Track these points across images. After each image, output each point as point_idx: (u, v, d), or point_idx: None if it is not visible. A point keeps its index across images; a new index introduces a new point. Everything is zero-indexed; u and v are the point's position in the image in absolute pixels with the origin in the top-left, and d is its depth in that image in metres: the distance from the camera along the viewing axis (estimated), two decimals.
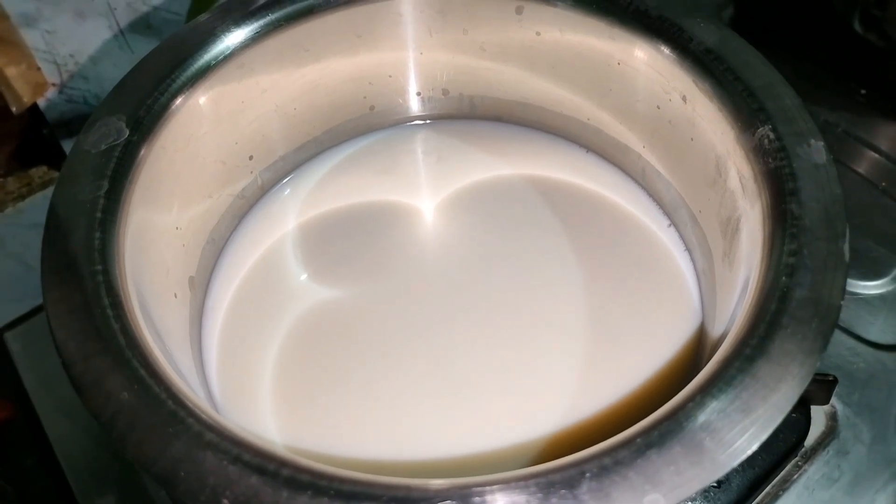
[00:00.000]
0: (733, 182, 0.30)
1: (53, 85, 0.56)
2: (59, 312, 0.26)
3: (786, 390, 0.22)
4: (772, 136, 0.29)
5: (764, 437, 0.22)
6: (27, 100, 0.55)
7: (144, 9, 0.54)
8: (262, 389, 0.33)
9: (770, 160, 0.28)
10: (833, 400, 0.36)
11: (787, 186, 0.27)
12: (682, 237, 0.37)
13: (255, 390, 0.33)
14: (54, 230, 0.29)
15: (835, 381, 0.35)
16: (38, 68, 0.54)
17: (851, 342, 0.38)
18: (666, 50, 0.33)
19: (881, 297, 0.39)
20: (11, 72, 0.54)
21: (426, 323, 0.35)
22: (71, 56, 0.54)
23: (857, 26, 0.48)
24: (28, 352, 0.41)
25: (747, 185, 0.29)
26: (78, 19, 0.53)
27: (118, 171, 0.30)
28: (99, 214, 0.29)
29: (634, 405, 0.31)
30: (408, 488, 0.21)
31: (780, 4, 0.33)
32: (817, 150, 0.28)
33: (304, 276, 0.38)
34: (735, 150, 0.30)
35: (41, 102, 0.56)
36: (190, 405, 0.24)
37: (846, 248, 0.25)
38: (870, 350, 0.38)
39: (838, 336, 0.38)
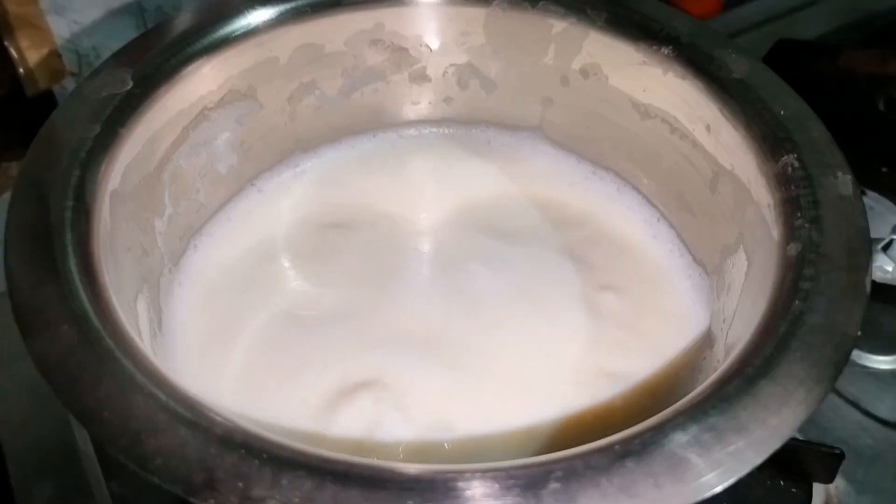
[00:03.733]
0: (752, 210, 0.29)
1: (72, 74, 0.56)
2: (19, 238, 0.25)
3: (788, 415, 0.20)
4: (796, 164, 0.27)
5: (759, 461, 0.19)
6: (42, 85, 0.55)
7: (173, 14, 0.54)
8: (227, 369, 0.31)
9: (793, 188, 0.27)
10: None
11: (809, 214, 0.25)
12: (692, 256, 0.35)
13: (217, 369, 0.31)
14: (34, 162, 0.28)
15: (842, 456, 0.32)
16: (59, 56, 0.55)
17: (859, 416, 0.36)
18: (694, 77, 0.32)
19: (892, 373, 0.38)
20: (32, 55, 0.54)
21: (417, 328, 0.33)
22: (94, 49, 0.54)
23: (882, 106, 0.48)
24: None
25: (767, 213, 0.27)
26: (107, 15, 0.53)
27: (113, 118, 0.29)
28: (83, 155, 0.28)
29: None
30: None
31: (806, 79, 0.33)
32: (844, 182, 0.26)
33: (292, 272, 0.36)
34: (757, 178, 0.28)
35: (56, 90, 0.56)
36: (130, 346, 0.22)
37: (867, 280, 0.23)
38: (878, 426, 0.36)
39: (845, 409, 0.36)
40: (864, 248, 0.24)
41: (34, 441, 0.36)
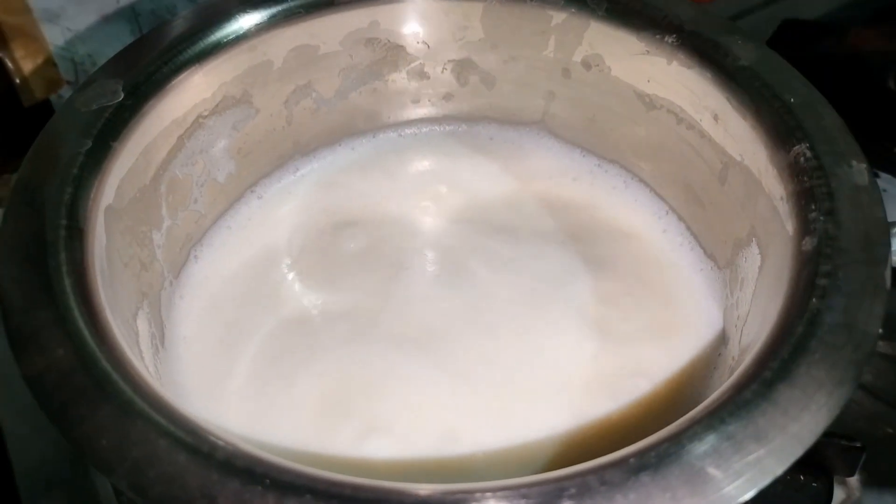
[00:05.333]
0: (764, 202, 0.28)
1: (68, 83, 0.55)
2: (12, 260, 0.24)
3: (809, 420, 0.19)
4: (808, 154, 0.26)
5: (780, 470, 0.18)
6: (39, 95, 0.54)
7: (168, 18, 0.53)
8: (232, 381, 0.31)
9: (805, 179, 0.26)
10: None
11: (824, 206, 0.24)
12: (703, 249, 0.34)
13: (223, 381, 0.31)
14: (26, 181, 0.27)
15: (863, 449, 0.32)
16: (55, 65, 0.54)
17: (880, 407, 0.34)
18: (700, 66, 0.31)
19: None
20: (27, 65, 0.53)
21: (423, 333, 0.32)
22: (89, 56, 0.53)
23: (892, 85, 0.47)
24: None
25: (779, 206, 0.26)
26: (101, 21, 0.52)
27: (105, 131, 0.29)
28: (75, 171, 0.27)
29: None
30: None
31: (813, 60, 0.32)
32: (859, 171, 0.25)
33: (296, 278, 0.35)
34: (768, 169, 0.27)
35: (54, 99, 0.55)
36: (128, 369, 0.21)
37: (887, 273, 0.22)
38: None
39: (865, 400, 0.35)
40: (882, 240, 0.23)
41: (43, 453, 0.35)
